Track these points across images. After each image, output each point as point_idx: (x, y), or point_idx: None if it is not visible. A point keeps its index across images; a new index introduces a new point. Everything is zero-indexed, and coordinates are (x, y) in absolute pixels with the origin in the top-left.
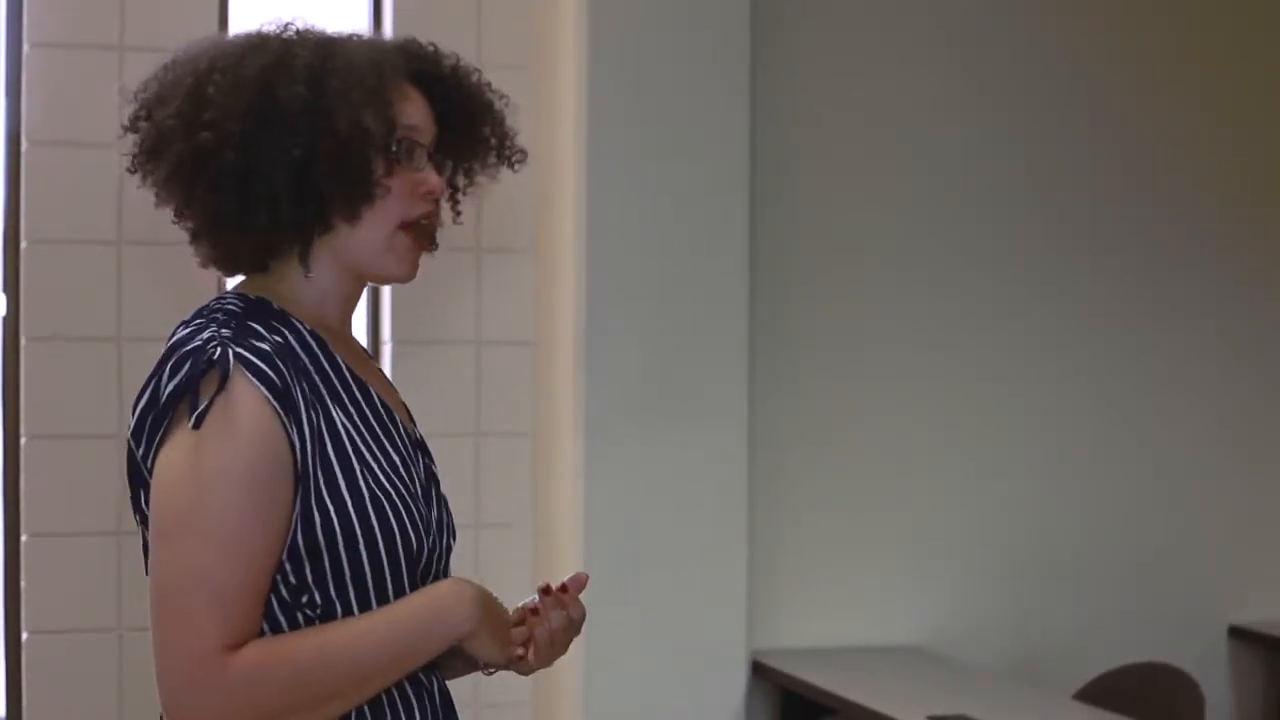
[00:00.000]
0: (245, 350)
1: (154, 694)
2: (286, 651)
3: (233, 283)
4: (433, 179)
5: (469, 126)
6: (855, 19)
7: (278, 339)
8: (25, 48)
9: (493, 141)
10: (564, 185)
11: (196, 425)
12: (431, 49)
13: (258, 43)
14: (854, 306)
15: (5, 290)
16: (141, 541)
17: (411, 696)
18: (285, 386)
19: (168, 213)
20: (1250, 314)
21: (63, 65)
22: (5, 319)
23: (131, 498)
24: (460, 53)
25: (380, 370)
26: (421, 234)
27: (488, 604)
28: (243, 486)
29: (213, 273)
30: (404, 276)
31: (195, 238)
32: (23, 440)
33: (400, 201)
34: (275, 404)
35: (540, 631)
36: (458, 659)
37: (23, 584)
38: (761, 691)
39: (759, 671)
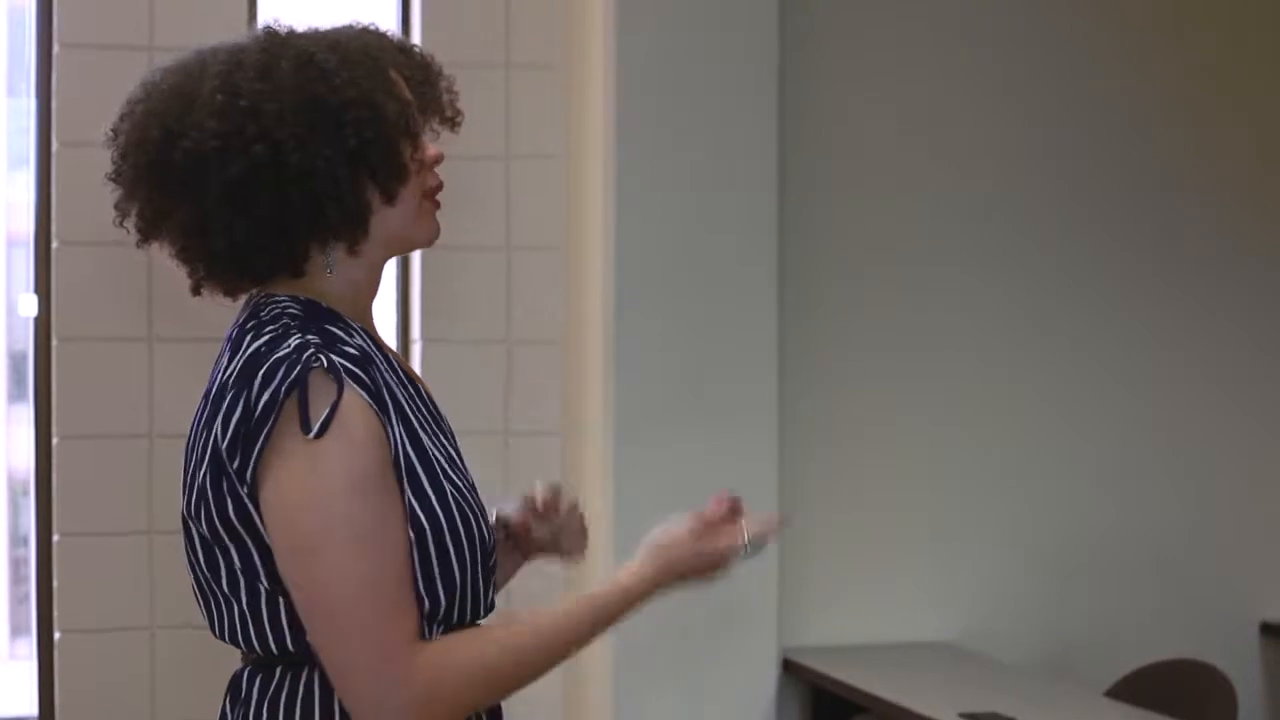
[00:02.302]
0: (340, 357)
1: (185, 693)
2: (483, 651)
3: None
4: (433, 148)
5: (426, 94)
6: (883, 18)
7: (357, 342)
8: (55, 48)
9: (445, 107)
10: (593, 184)
11: (320, 434)
12: (375, 26)
13: (270, 46)
14: (882, 305)
15: (36, 291)
16: (189, 543)
17: None
18: (377, 389)
19: None
20: None
21: (92, 66)
22: (36, 319)
23: (195, 500)
24: (489, 53)
25: (407, 361)
26: (435, 199)
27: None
28: (373, 487)
29: None
30: (432, 239)
31: (231, 253)
32: (54, 440)
33: (421, 175)
34: (375, 406)
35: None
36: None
37: (54, 584)
38: (792, 689)
39: (790, 669)
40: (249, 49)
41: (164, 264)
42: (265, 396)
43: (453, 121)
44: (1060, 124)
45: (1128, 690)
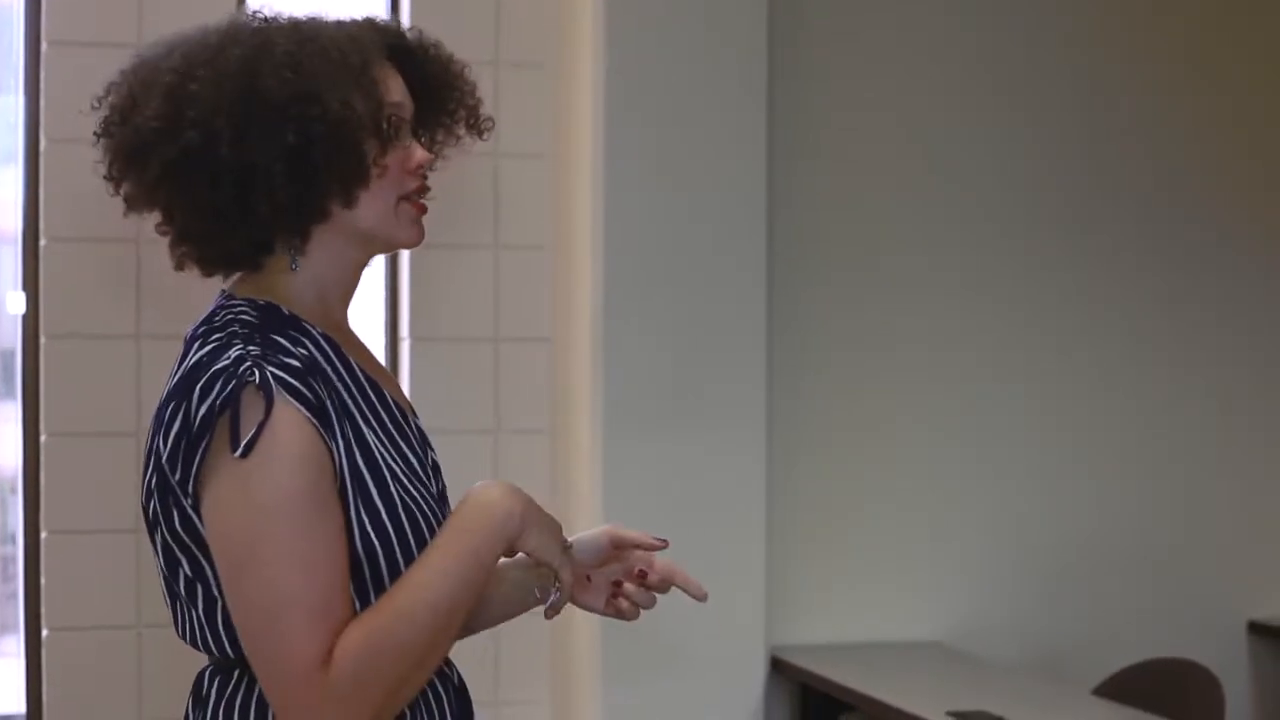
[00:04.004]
0: (279, 369)
1: (172, 691)
2: (371, 631)
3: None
4: (421, 153)
5: (441, 98)
6: (873, 17)
7: (303, 352)
8: (43, 46)
9: (463, 113)
10: (582, 182)
11: (245, 453)
12: (396, 24)
13: (233, 33)
14: (872, 305)
15: (24, 288)
16: (152, 545)
17: (438, 684)
18: (320, 402)
19: None
20: (1272, 312)
21: (81, 63)
22: (24, 317)
23: (151, 506)
24: (478, 51)
25: (378, 362)
26: (418, 203)
27: (522, 494)
28: (305, 503)
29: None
30: (414, 241)
31: (183, 239)
32: (42, 438)
33: (395, 179)
34: (314, 421)
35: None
36: (507, 587)
37: (42, 581)
38: (781, 688)
39: (778, 668)
40: (212, 35)
41: (152, 261)
42: (202, 410)
43: (478, 129)
44: (1050, 123)
45: (1116, 689)
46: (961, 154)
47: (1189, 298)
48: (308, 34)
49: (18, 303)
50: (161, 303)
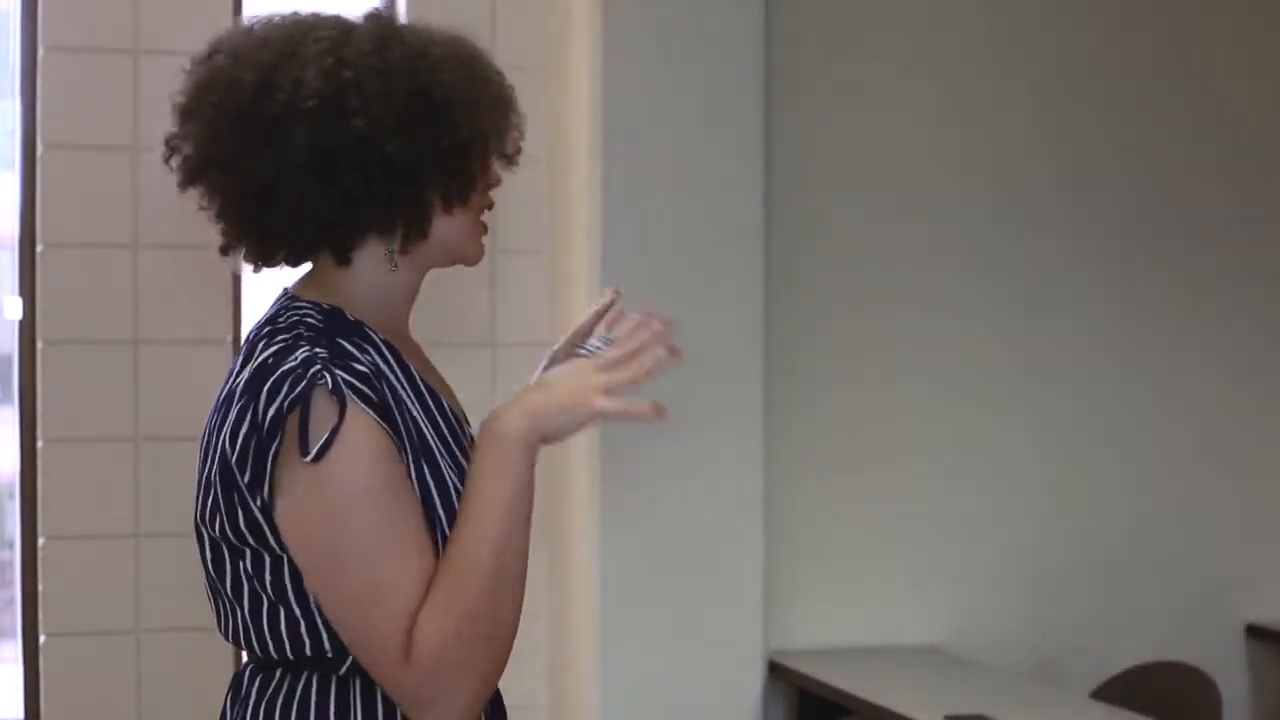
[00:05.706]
0: (347, 374)
1: (170, 696)
2: (444, 598)
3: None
4: (498, 171)
5: (501, 122)
6: (872, 18)
7: (369, 358)
8: (40, 51)
9: (508, 139)
10: (578, 185)
11: (318, 457)
12: (475, 42)
13: (384, 25)
14: (871, 307)
15: (21, 294)
16: (199, 542)
17: None
18: (385, 405)
19: (183, 215)
20: (1267, 312)
21: (77, 68)
22: (22, 323)
23: (208, 502)
24: None
25: (435, 369)
26: (483, 220)
27: (522, 404)
28: (382, 496)
29: (227, 275)
30: (478, 257)
31: (290, 222)
32: (39, 444)
33: (484, 192)
34: (384, 424)
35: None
36: None
37: (40, 587)
38: (778, 691)
39: (775, 671)
40: (361, 24)
41: (149, 268)
42: (270, 412)
43: (510, 158)
44: (1049, 125)
45: (1114, 692)
46: (965, 155)
47: (1191, 301)
48: (443, 40)
49: (15, 308)
50: (158, 308)
